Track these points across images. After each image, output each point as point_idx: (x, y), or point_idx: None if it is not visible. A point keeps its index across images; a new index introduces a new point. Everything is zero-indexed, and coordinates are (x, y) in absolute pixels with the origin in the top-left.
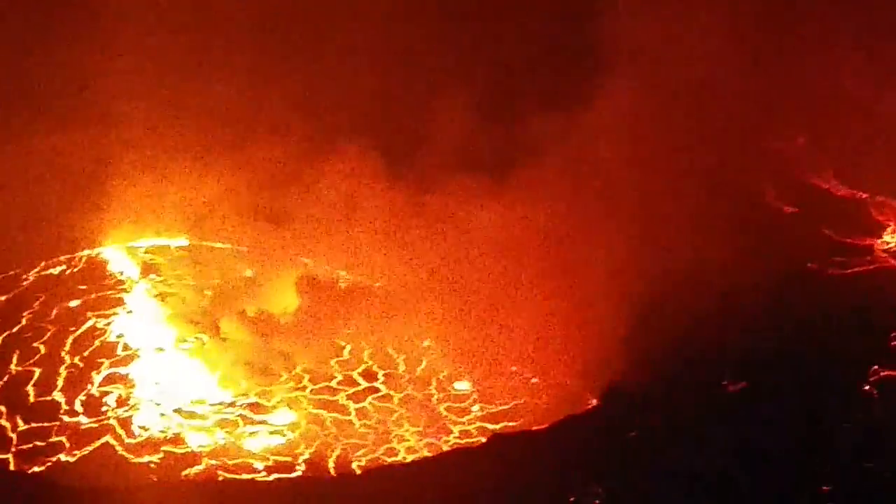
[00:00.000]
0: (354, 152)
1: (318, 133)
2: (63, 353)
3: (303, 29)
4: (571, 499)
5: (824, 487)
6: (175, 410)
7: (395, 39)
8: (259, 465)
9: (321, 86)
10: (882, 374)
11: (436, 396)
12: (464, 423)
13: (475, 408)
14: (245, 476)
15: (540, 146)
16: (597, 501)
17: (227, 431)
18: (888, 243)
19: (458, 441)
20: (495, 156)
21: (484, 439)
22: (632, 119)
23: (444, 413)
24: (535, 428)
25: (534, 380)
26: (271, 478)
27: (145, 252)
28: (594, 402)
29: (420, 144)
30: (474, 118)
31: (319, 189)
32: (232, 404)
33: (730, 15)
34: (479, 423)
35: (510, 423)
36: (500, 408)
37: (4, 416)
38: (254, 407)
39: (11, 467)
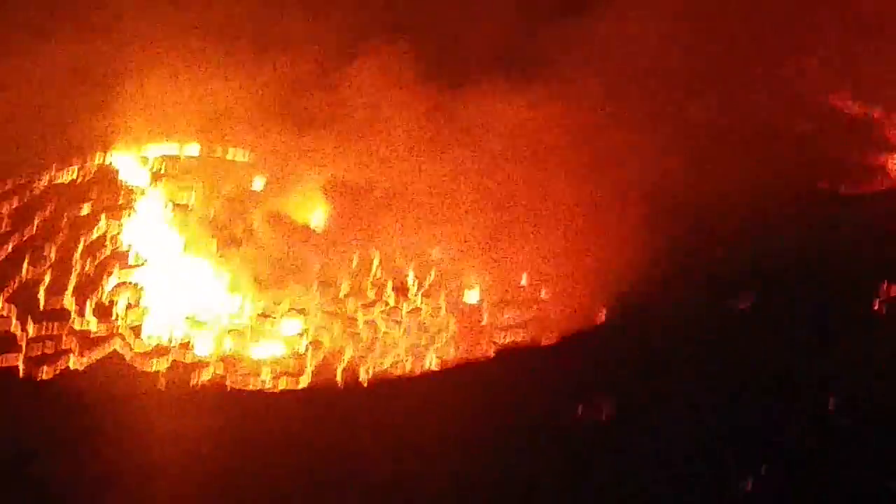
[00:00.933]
0: (382, 54)
1: (344, 34)
2: (74, 259)
3: None
4: (579, 410)
5: (830, 408)
6: (184, 318)
7: None
8: (266, 374)
9: None
10: (892, 293)
11: (444, 307)
12: (474, 335)
13: (485, 318)
14: (252, 385)
15: (575, 47)
16: (605, 417)
17: (235, 340)
18: None
19: (467, 353)
20: (528, 56)
21: (492, 352)
22: (666, 27)
23: (453, 325)
24: (544, 341)
25: (544, 293)
26: (279, 388)
27: (158, 158)
28: (602, 317)
29: (451, 44)
30: (507, 16)
31: (343, 93)
32: (240, 313)
33: None
34: (489, 336)
35: (520, 336)
36: (511, 320)
37: (15, 322)
38: (262, 316)
39: (21, 374)
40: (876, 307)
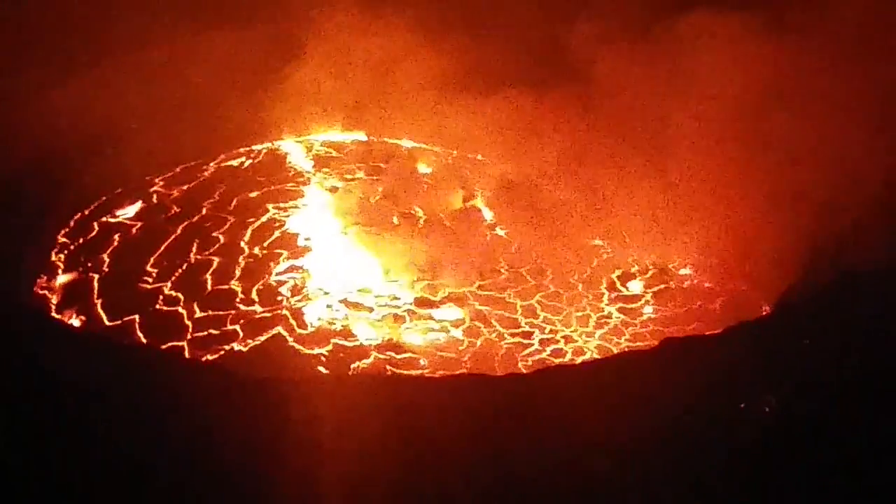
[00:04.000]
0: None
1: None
2: (242, 244)
3: None
4: (742, 406)
5: None
6: (346, 303)
7: None
8: (424, 360)
9: None
10: None
11: (606, 296)
12: (636, 326)
13: (647, 310)
14: (412, 371)
15: None
16: (767, 409)
17: (394, 326)
18: None
19: (629, 343)
20: None
21: (655, 342)
22: None
23: (616, 314)
24: (707, 333)
25: (707, 284)
26: (437, 374)
27: (322, 145)
28: (767, 309)
29: None
30: None
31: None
32: (400, 298)
33: None
34: (651, 327)
35: (683, 327)
36: (673, 311)
37: (182, 304)
38: (421, 302)
39: (186, 354)
40: None
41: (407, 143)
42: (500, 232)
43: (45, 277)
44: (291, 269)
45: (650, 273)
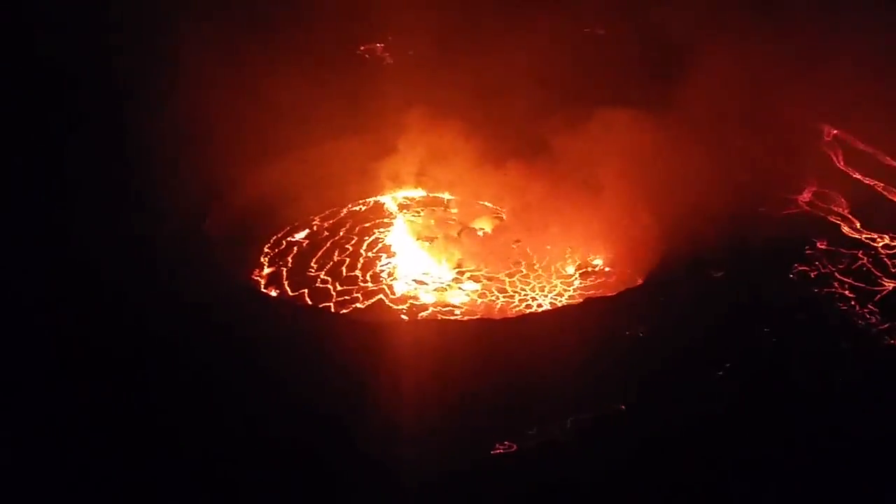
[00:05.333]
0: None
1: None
2: (361, 250)
3: None
4: (627, 332)
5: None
6: (416, 281)
7: None
8: (458, 312)
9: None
10: (799, 268)
11: (554, 275)
12: (570, 291)
13: (577, 282)
14: (451, 318)
15: None
16: (641, 334)
17: (441, 293)
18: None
19: (567, 301)
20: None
21: (581, 300)
22: None
23: (560, 285)
24: (608, 294)
25: (607, 269)
26: (465, 319)
27: (403, 198)
28: (640, 281)
29: None
30: None
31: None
32: (443, 278)
33: None
34: (579, 292)
35: (596, 292)
36: (591, 283)
37: (330, 283)
38: (455, 280)
39: (332, 310)
40: (791, 275)
41: (448, 196)
42: (500, 244)
43: (257, 270)
44: (387, 263)
45: (578, 262)
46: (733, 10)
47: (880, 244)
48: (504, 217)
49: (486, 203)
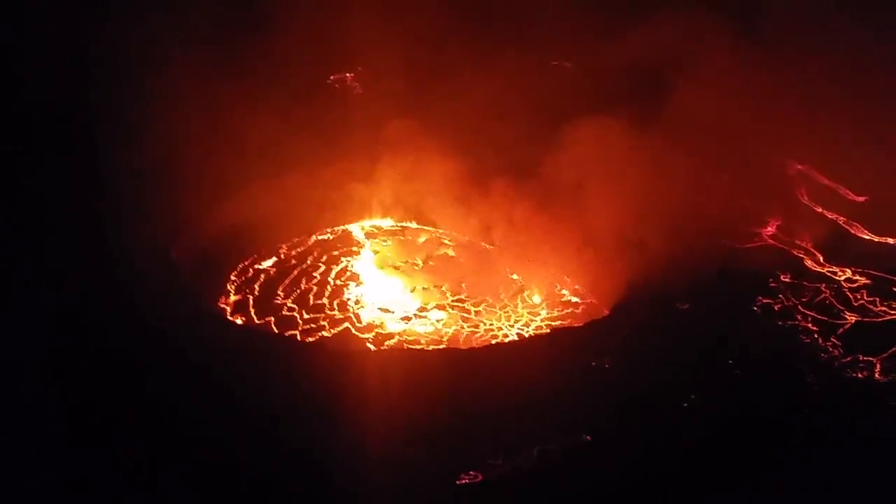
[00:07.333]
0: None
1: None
2: (329, 278)
3: None
4: (593, 363)
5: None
6: (382, 309)
7: None
8: (423, 340)
9: None
10: (763, 301)
11: (520, 305)
12: (536, 321)
13: (543, 312)
14: (417, 346)
15: None
16: (606, 365)
17: (407, 322)
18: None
19: (534, 331)
20: None
21: (548, 330)
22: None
23: (526, 315)
24: (574, 325)
25: (574, 299)
26: (430, 348)
27: (371, 227)
28: (606, 312)
29: None
30: None
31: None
32: (410, 307)
33: None
34: (547, 322)
35: (562, 322)
36: (557, 313)
37: (296, 311)
38: (421, 309)
39: (299, 338)
40: (755, 308)
41: (412, 225)
42: (465, 271)
43: (224, 297)
44: (354, 291)
45: (545, 293)
46: (700, 46)
47: (842, 278)
48: (470, 246)
49: (452, 232)
